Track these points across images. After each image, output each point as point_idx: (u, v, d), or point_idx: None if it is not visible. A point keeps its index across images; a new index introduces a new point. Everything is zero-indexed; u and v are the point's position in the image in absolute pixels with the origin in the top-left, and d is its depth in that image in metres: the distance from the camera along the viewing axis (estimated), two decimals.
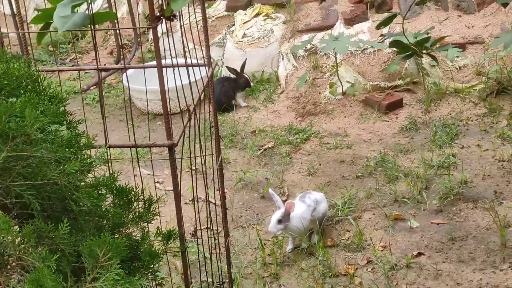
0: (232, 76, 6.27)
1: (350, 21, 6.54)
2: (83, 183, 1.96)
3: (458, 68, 6.13)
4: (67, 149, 1.87)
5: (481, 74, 6.02)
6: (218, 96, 6.06)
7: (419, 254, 4.13)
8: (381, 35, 5.60)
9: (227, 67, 6.28)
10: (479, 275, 3.91)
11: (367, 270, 4.03)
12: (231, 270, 3.70)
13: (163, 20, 2.55)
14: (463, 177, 4.79)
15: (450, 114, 5.76)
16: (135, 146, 2.56)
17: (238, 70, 6.23)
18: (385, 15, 6.37)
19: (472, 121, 5.66)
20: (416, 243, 4.23)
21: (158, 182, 5.12)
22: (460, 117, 5.69)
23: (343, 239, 4.30)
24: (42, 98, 1.92)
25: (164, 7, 2.54)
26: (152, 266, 2.07)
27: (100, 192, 1.99)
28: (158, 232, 2.18)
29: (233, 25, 6.94)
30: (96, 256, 1.80)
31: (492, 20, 6.35)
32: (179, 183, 2.54)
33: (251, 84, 6.30)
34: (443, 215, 4.48)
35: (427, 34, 4.21)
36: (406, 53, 3.09)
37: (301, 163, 5.27)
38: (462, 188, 4.69)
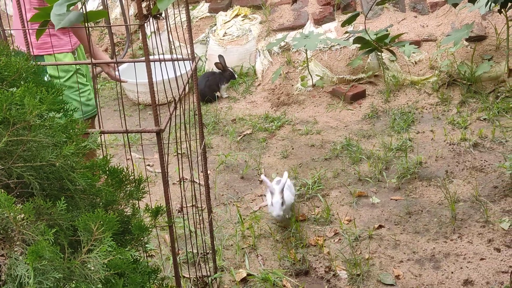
0: (217, 71, 6.21)
1: (319, 21, 6.50)
2: (78, 165, 1.92)
3: (414, 62, 6.13)
4: (63, 134, 1.83)
5: (434, 68, 6.02)
6: (203, 89, 6.03)
7: (380, 226, 4.13)
8: (346, 32, 5.59)
9: (215, 63, 6.20)
10: (433, 245, 3.92)
11: (334, 241, 4.02)
12: (214, 242, 3.67)
13: (151, 18, 2.51)
14: (418, 159, 4.80)
15: (407, 103, 5.76)
16: (126, 132, 2.52)
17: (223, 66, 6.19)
18: (350, 15, 6.36)
19: (426, 109, 5.66)
20: (377, 217, 4.23)
21: (148, 165, 5.07)
22: (415, 106, 5.69)
23: (313, 214, 4.29)
24: (40, 88, 1.87)
25: (151, 7, 2.50)
26: (142, 238, 2.03)
27: (94, 172, 1.95)
28: (147, 208, 2.14)
29: (215, 25, 6.87)
30: (91, 230, 1.76)
31: (444, 20, 6.36)
32: (167, 165, 2.51)
33: (236, 75, 6.26)
34: (401, 192, 4.48)
35: (386, 31, 4.19)
36: (368, 49, 3.08)
37: (276, 148, 5.25)
38: (417, 168, 4.70)
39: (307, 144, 5.25)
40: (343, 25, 2.93)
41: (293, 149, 5.20)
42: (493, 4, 3.07)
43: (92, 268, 1.78)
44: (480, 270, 3.66)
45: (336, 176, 4.72)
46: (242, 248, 3.99)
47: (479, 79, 5.78)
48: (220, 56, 6.20)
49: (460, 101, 5.67)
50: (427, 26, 6.35)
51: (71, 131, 1.85)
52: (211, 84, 6.11)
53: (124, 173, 2.02)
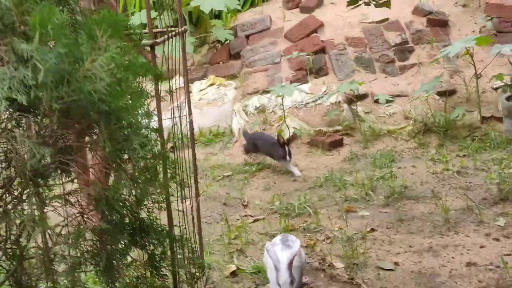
0: None
1: (293, 83, 6.64)
2: None
3: (389, 115, 6.24)
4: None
5: (408, 118, 6.14)
6: None
7: (372, 230, 3.98)
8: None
9: None
10: (429, 240, 3.77)
11: (325, 243, 3.84)
12: (201, 231, 3.47)
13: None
14: (403, 182, 4.75)
15: (386, 149, 5.77)
16: None
17: None
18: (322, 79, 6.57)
19: (405, 152, 5.68)
20: (368, 224, 4.08)
21: None
22: (394, 150, 5.71)
23: (302, 225, 4.12)
24: None
25: None
26: None
27: None
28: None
29: (191, 92, 6.97)
30: (95, 36, 1.67)
31: (413, 79, 6.58)
32: None
33: None
34: (390, 207, 4.37)
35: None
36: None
37: (258, 183, 5.14)
38: (403, 189, 4.63)
39: (289, 179, 5.17)
40: (348, 4, 2.98)
41: (275, 183, 5.10)
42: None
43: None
44: (482, 255, 3.51)
45: (322, 200, 4.61)
46: (230, 252, 3.77)
47: (454, 125, 5.88)
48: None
49: (438, 144, 5.72)
50: (398, 84, 6.55)
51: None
52: None
53: None
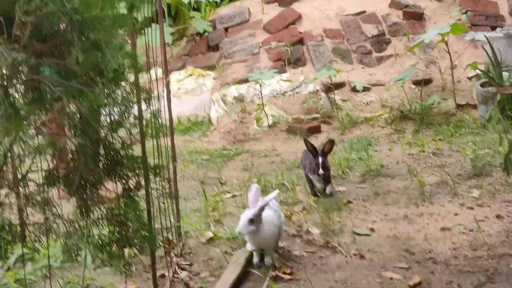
0: None
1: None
2: None
3: (366, 103, 6.30)
4: None
5: (385, 106, 6.19)
6: None
7: (349, 202, 4.01)
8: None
9: None
10: (404, 210, 3.82)
11: (303, 214, 3.85)
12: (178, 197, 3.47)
13: None
14: (380, 161, 4.79)
15: (363, 135, 5.81)
16: None
17: None
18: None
19: (382, 138, 5.73)
20: (345, 197, 4.10)
21: None
22: (371, 136, 5.75)
23: (279, 198, 4.12)
24: None
25: None
26: None
27: None
28: None
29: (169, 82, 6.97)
30: None
31: (390, 70, 6.66)
32: None
33: None
34: (366, 183, 4.41)
35: None
36: None
37: (236, 165, 5.15)
38: (379, 168, 4.67)
39: (267, 162, 5.19)
40: None
41: (253, 165, 5.10)
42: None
43: None
44: (456, 221, 3.57)
45: (300, 178, 4.62)
46: (207, 222, 3.76)
47: (430, 113, 5.95)
48: None
49: (414, 130, 5.78)
50: (375, 74, 6.62)
51: None
52: None
53: None
